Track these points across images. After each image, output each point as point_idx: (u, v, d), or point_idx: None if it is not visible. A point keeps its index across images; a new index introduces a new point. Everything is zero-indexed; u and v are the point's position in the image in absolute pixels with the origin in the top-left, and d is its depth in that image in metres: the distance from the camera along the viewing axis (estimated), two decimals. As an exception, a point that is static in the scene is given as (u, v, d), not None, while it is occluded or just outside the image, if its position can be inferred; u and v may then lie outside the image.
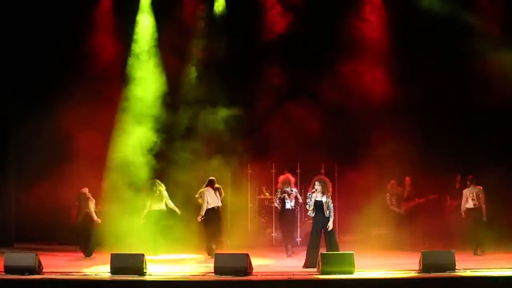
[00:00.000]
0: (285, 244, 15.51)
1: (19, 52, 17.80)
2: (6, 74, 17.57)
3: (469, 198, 15.43)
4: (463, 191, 15.68)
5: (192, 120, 17.67)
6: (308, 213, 13.41)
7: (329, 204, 13.00)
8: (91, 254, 15.32)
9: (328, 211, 12.96)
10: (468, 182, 15.60)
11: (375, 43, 17.68)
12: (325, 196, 13.02)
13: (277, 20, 17.78)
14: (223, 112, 17.41)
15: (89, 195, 15.64)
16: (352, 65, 17.37)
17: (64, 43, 17.53)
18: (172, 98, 17.78)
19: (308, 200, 13.10)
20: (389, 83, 17.29)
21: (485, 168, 16.05)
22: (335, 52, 17.49)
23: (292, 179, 15.68)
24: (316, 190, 13.02)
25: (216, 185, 15.42)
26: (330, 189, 13.19)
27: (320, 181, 13.10)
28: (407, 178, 17.16)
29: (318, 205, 13.01)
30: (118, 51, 17.82)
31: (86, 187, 15.72)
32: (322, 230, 13.03)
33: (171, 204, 15.93)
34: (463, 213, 15.57)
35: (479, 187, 15.46)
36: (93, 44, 17.50)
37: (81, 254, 15.51)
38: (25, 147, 17.69)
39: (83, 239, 15.59)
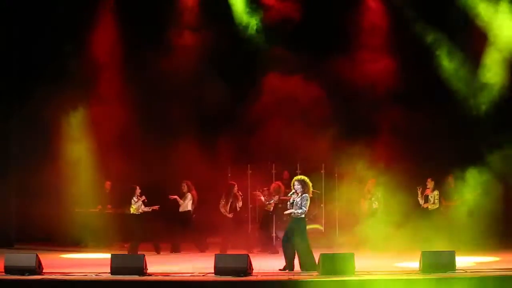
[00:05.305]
0: None
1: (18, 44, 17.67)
2: (5, 73, 17.54)
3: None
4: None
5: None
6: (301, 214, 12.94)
7: (300, 201, 12.21)
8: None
9: (294, 207, 12.26)
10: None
11: (378, 31, 17.53)
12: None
13: (279, 6, 17.64)
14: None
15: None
16: (355, 58, 17.31)
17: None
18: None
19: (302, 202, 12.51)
20: (395, 76, 17.22)
21: None
22: (335, 48, 17.41)
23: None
24: (295, 190, 12.34)
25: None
26: (311, 189, 12.45)
27: (300, 181, 12.37)
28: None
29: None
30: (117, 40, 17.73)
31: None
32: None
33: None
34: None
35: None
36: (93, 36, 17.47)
37: (80, 255, 15.65)
38: (25, 147, 17.67)
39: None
